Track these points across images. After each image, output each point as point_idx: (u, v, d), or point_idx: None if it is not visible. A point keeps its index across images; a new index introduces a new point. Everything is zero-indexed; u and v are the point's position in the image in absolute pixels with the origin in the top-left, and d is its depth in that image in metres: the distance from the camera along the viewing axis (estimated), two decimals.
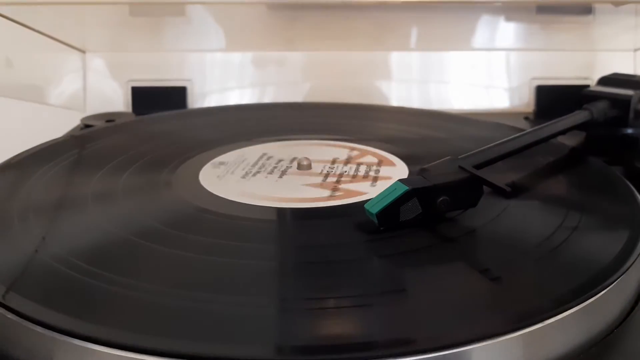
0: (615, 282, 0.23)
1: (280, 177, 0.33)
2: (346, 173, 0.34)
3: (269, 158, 0.36)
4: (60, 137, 0.45)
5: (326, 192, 0.31)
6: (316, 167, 0.34)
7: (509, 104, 0.57)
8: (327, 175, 0.33)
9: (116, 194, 0.32)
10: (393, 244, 0.25)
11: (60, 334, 0.20)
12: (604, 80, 0.45)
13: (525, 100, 0.56)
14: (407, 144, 0.39)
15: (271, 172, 0.34)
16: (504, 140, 0.33)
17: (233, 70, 0.57)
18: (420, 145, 0.40)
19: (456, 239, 0.26)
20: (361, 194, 0.31)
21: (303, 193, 0.31)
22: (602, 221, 0.28)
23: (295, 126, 0.44)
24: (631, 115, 0.41)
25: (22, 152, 0.37)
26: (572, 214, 0.28)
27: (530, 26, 0.57)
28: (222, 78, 0.56)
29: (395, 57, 0.57)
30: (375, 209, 0.26)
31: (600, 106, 0.40)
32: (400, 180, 0.27)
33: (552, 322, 0.20)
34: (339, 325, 0.21)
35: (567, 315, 0.21)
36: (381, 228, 0.26)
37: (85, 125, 0.48)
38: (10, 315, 0.21)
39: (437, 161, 0.29)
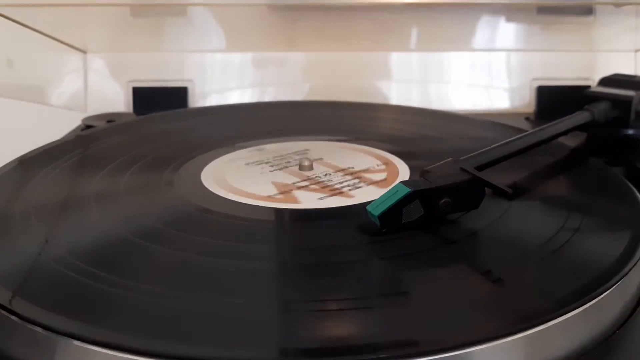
0: (617, 284, 0.23)
1: (271, 172, 0.34)
2: (324, 181, 0.33)
3: (296, 153, 0.37)
4: (63, 138, 0.45)
5: (273, 191, 0.31)
6: (316, 170, 0.34)
7: (509, 105, 0.57)
8: (307, 179, 0.33)
9: (118, 194, 0.32)
10: (395, 245, 0.25)
11: (62, 336, 0.20)
12: (604, 81, 0.45)
13: (526, 101, 0.56)
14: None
15: (273, 167, 0.35)
16: (505, 141, 0.33)
17: (234, 70, 0.57)
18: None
19: (458, 240, 0.26)
20: (298, 202, 0.30)
21: (256, 188, 0.31)
22: (603, 222, 0.28)
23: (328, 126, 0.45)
24: (632, 116, 0.41)
25: (25, 154, 0.37)
26: (574, 216, 0.28)
27: (530, 27, 0.57)
28: (223, 78, 0.56)
29: (396, 58, 0.57)
30: (377, 211, 0.26)
31: (601, 107, 0.40)
32: (403, 182, 0.27)
33: (554, 324, 0.20)
34: (341, 328, 0.21)
35: (569, 317, 0.21)
36: (383, 230, 0.26)
37: (87, 125, 0.48)
38: (12, 317, 0.21)
39: (439, 163, 0.29)
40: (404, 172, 0.34)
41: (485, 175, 0.28)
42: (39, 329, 0.20)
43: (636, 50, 0.56)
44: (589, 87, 0.47)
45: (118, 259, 0.25)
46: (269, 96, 0.57)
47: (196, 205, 0.30)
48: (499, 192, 0.27)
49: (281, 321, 0.22)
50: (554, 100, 0.54)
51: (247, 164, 0.36)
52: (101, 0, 0.51)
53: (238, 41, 0.57)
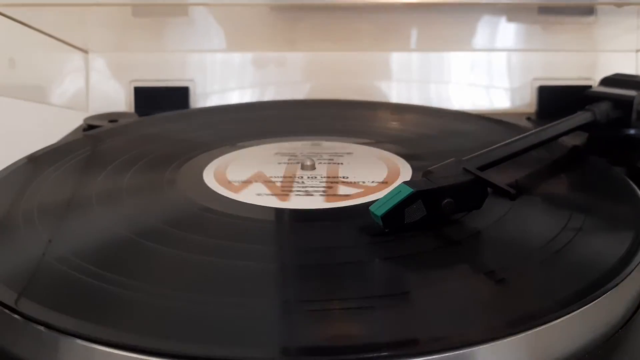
0: (619, 284, 0.23)
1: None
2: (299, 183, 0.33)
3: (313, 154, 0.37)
4: (65, 138, 0.45)
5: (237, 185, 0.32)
6: (319, 170, 0.34)
7: (510, 105, 0.57)
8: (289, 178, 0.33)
9: (121, 194, 0.32)
10: (397, 246, 0.26)
11: (66, 335, 0.20)
12: (606, 81, 0.45)
13: (527, 101, 0.56)
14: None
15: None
16: (507, 141, 0.33)
17: (235, 70, 0.57)
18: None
19: (460, 241, 0.27)
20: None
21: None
22: (606, 223, 0.29)
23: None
24: (634, 116, 0.41)
25: (28, 155, 0.37)
26: (576, 216, 0.28)
27: (532, 27, 0.57)
28: (224, 78, 0.57)
29: (396, 58, 0.57)
30: (380, 212, 0.26)
31: (603, 107, 0.40)
32: (405, 183, 0.27)
33: (556, 324, 0.21)
34: (343, 327, 0.21)
35: (571, 317, 0.21)
36: (386, 230, 0.26)
37: (89, 125, 0.48)
38: (16, 317, 0.21)
39: (442, 163, 0.29)
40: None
41: (487, 175, 0.28)
42: (43, 329, 0.20)
43: (637, 50, 0.56)
44: (590, 87, 0.47)
45: (121, 258, 0.25)
46: (269, 96, 0.57)
47: (198, 205, 0.30)
48: (501, 193, 0.27)
49: (283, 321, 0.22)
50: (555, 100, 0.54)
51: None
52: (103, 0, 0.51)
53: (239, 41, 0.57)
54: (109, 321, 0.21)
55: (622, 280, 0.23)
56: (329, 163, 0.35)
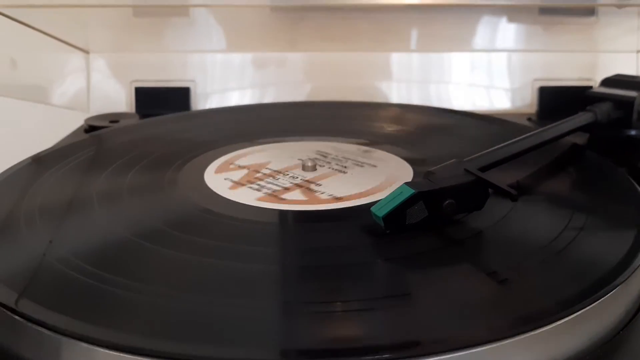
0: (621, 284, 0.23)
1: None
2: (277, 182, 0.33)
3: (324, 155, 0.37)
4: (66, 138, 0.45)
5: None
6: (310, 173, 0.34)
7: (511, 105, 0.57)
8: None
9: (121, 195, 0.32)
10: (399, 247, 0.26)
11: (66, 337, 0.20)
12: (607, 82, 0.45)
13: (527, 101, 0.56)
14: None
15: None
16: (508, 142, 0.33)
17: (235, 70, 0.57)
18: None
19: (462, 241, 0.26)
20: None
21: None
22: (608, 222, 0.28)
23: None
24: (635, 116, 0.41)
25: (30, 156, 0.37)
26: (578, 215, 0.28)
27: (532, 27, 0.57)
28: (225, 79, 0.57)
29: (397, 58, 0.57)
30: (381, 212, 0.26)
31: (604, 108, 0.40)
32: (407, 184, 0.27)
33: (558, 325, 0.21)
34: (345, 329, 0.21)
35: (573, 318, 0.21)
36: (387, 231, 0.26)
37: (90, 125, 0.48)
38: (17, 318, 0.21)
39: (443, 164, 0.29)
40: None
41: (489, 176, 0.28)
42: (42, 330, 0.20)
43: (638, 51, 0.57)
44: (591, 87, 0.47)
45: (121, 259, 0.25)
46: (270, 96, 0.57)
47: (199, 206, 0.30)
48: (503, 194, 0.27)
49: (285, 322, 0.22)
50: (556, 101, 0.54)
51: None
52: (104, 1, 0.51)
53: (240, 42, 0.57)
54: (109, 322, 0.21)
55: (624, 281, 0.23)
56: (332, 169, 0.35)
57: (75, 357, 0.20)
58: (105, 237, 0.27)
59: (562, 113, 0.39)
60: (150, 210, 0.30)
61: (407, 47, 0.58)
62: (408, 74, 0.57)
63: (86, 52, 0.56)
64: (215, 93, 0.56)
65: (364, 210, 0.28)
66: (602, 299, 0.22)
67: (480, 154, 0.31)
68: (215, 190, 0.32)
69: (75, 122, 0.50)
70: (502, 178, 0.30)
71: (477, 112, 0.50)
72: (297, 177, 0.33)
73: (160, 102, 0.54)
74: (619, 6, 0.52)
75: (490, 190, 0.28)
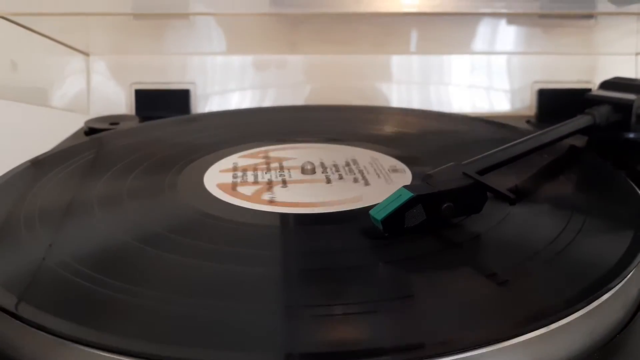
0: (618, 285, 0.23)
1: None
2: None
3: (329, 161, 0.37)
4: (66, 141, 0.45)
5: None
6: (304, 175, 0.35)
7: (510, 108, 0.57)
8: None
9: (121, 199, 0.32)
10: (398, 250, 0.26)
11: (65, 340, 0.20)
12: (605, 85, 0.45)
13: (527, 104, 0.56)
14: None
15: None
16: (506, 145, 0.33)
17: (235, 73, 0.57)
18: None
19: (461, 244, 0.27)
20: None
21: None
22: (606, 224, 0.29)
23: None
24: (633, 119, 0.41)
25: (30, 159, 0.38)
26: (576, 217, 0.28)
27: (532, 30, 0.57)
28: (225, 81, 0.57)
29: (397, 61, 0.58)
30: (380, 216, 0.26)
31: (603, 110, 0.40)
32: (405, 187, 0.27)
33: (557, 327, 0.21)
34: (346, 332, 0.21)
35: (571, 320, 0.21)
36: (386, 234, 0.26)
37: (90, 127, 0.49)
38: (16, 322, 0.21)
39: (441, 167, 0.29)
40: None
41: (487, 179, 0.28)
42: (43, 334, 0.21)
43: (637, 54, 0.57)
44: (590, 90, 0.47)
45: (121, 263, 0.25)
46: (270, 98, 0.57)
47: (199, 210, 0.30)
48: (501, 197, 0.27)
49: (285, 325, 0.22)
50: (555, 104, 0.54)
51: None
52: (104, 9, 0.51)
53: (239, 44, 0.57)
54: (109, 326, 0.21)
55: (622, 282, 0.23)
56: (327, 175, 0.35)
57: (73, 356, 0.20)
58: (104, 240, 0.27)
59: (561, 115, 0.39)
60: (149, 214, 0.30)
61: (407, 49, 0.58)
62: (408, 77, 0.58)
63: (86, 54, 0.56)
64: (215, 95, 0.56)
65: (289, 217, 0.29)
66: (600, 300, 0.22)
67: (478, 157, 0.31)
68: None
69: (75, 124, 0.51)
70: (501, 181, 0.30)
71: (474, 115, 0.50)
72: (280, 176, 0.34)
73: (160, 104, 0.54)
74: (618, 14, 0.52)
75: (488, 193, 0.28)
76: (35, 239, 0.27)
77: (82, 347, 0.20)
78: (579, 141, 0.41)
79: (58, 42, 0.53)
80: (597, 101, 0.42)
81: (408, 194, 0.26)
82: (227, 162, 0.37)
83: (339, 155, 0.38)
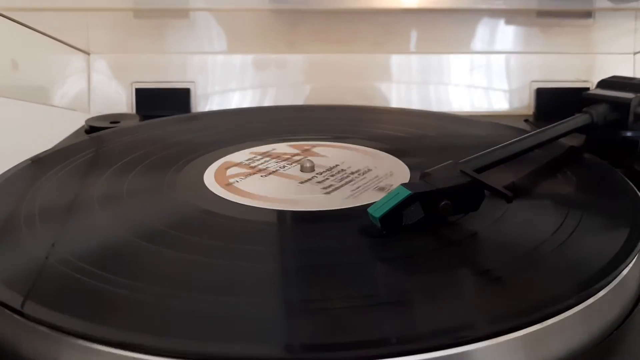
0: (614, 282, 0.23)
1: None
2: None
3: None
4: (66, 139, 0.45)
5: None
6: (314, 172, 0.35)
7: (508, 107, 0.57)
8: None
9: (122, 196, 0.32)
10: (396, 247, 0.26)
11: (67, 335, 0.20)
12: (603, 83, 0.45)
13: (525, 103, 0.57)
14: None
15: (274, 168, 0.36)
16: (504, 144, 0.33)
17: (235, 72, 0.57)
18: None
19: (458, 241, 0.27)
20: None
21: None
22: (602, 221, 0.29)
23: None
24: (631, 118, 0.41)
25: (30, 157, 0.38)
26: (573, 214, 0.28)
27: (530, 29, 0.57)
28: (225, 80, 0.57)
29: (396, 60, 0.58)
30: (378, 213, 0.26)
31: (600, 109, 0.41)
32: (403, 185, 0.27)
33: (553, 323, 0.21)
34: (342, 325, 0.21)
35: (568, 316, 0.21)
36: (384, 232, 0.26)
37: (90, 126, 0.49)
38: (18, 318, 0.21)
39: (439, 165, 0.29)
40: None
41: (485, 177, 0.28)
42: (46, 330, 0.21)
43: (635, 53, 0.57)
44: (587, 89, 0.47)
45: (122, 260, 0.25)
46: (270, 97, 0.57)
47: (198, 207, 0.30)
48: (499, 195, 0.27)
49: (282, 319, 0.22)
50: (553, 102, 0.55)
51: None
52: (104, 4, 0.52)
53: (240, 43, 0.58)
54: (111, 321, 0.21)
55: (617, 278, 0.23)
56: (319, 174, 0.35)
57: (77, 356, 0.20)
58: (105, 237, 0.27)
59: (559, 114, 0.39)
60: (149, 211, 0.30)
61: (406, 48, 0.58)
62: (408, 76, 0.58)
63: (87, 53, 0.56)
64: (215, 94, 0.57)
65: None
66: (597, 297, 0.22)
67: (476, 155, 0.31)
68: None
69: (76, 122, 0.51)
70: (499, 179, 0.30)
71: (473, 114, 0.50)
72: (278, 167, 0.36)
73: (161, 103, 0.54)
74: (616, 10, 0.52)
75: (486, 191, 0.28)
76: (35, 237, 0.27)
77: (84, 342, 0.20)
78: (577, 140, 0.41)
79: (59, 41, 0.53)
80: (595, 100, 0.42)
81: (406, 192, 0.26)
82: (243, 154, 0.38)
83: (360, 162, 0.37)
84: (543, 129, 0.36)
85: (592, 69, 0.56)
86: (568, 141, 0.39)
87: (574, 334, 0.21)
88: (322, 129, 0.44)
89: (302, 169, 0.35)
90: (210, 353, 0.19)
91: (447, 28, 0.57)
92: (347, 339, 0.20)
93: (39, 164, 0.37)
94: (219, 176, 0.34)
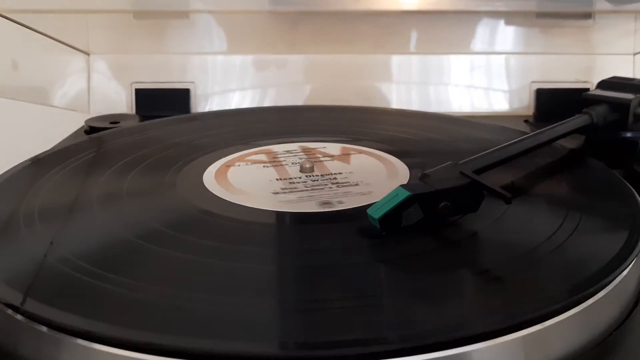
0: (613, 283, 0.23)
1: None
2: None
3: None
4: (66, 140, 0.45)
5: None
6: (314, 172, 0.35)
7: (508, 107, 0.57)
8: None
9: (121, 196, 0.32)
10: (395, 247, 0.26)
11: (65, 334, 0.20)
12: (603, 84, 0.45)
13: (525, 103, 0.57)
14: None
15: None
16: (504, 145, 0.33)
17: (235, 72, 0.57)
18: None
19: (457, 242, 0.27)
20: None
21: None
22: (601, 222, 0.29)
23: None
24: (630, 118, 0.41)
25: (30, 158, 0.38)
26: (572, 215, 0.28)
27: (530, 30, 0.57)
28: (225, 80, 0.57)
29: (396, 60, 0.58)
30: (377, 214, 0.26)
31: (600, 110, 0.41)
32: (402, 186, 0.27)
33: (553, 323, 0.21)
34: (341, 325, 0.21)
35: (567, 317, 0.21)
36: (383, 233, 0.26)
37: (90, 126, 0.49)
38: (18, 317, 0.22)
39: (438, 166, 0.29)
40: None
41: (484, 178, 0.28)
42: (44, 328, 0.21)
43: (635, 54, 0.57)
44: (587, 89, 0.47)
45: (121, 260, 0.25)
46: (270, 98, 0.57)
47: (197, 208, 0.30)
48: (497, 196, 0.27)
49: (279, 318, 0.22)
50: (553, 103, 0.55)
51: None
52: (105, 6, 0.52)
53: (239, 44, 0.58)
54: (110, 319, 0.21)
55: (616, 279, 0.23)
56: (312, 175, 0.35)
57: (75, 353, 0.20)
58: (104, 236, 0.27)
59: (559, 115, 0.39)
60: (148, 211, 0.30)
61: (406, 49, 0.58)
62: (408, 76, 0.58)
63: (87, 53, 0.56)
64: (215, 95, 0.57)
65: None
66: (597, 297, 0.22)
67: (475, 156, 0.31)
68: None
69: (75, 123, 0.51)
70: (498, 179, 0.30)
71: (473, 114, 0.50)
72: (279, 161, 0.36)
73: (161, 103, 0.55)
74: (616, 12, 0.52)
75: (485, 192, 0.28)
76: (35, 236, 0.27)
77: (82, 341, 0.20)
78: (577, 140, 0.41)
79: (59, 42, 0.53)
80: (595, 101, 0.42)
81: (405, 193, 0.26)
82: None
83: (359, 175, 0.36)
84: (543, 129, 0.36)
85: (592, 69, 0.56)
86: (568, 142, 0.39)
87: (573, 334, 0.22)
88: (323, 129, 0.44)
89: (302, 169, 0.35)
90: (209, 350, 0.19)
91: (447, 29, 0.57)
92: (345, 337, 0.20)
93: (39, 164, 0.37)
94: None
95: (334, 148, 0.40)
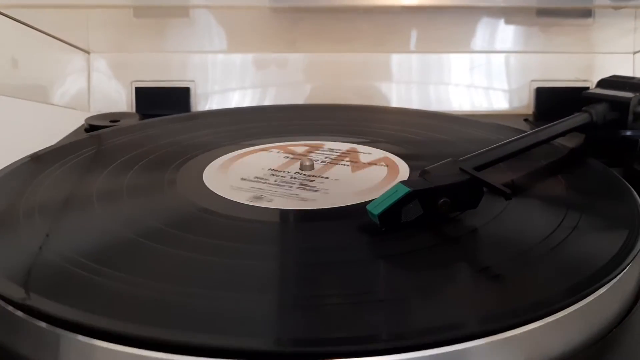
0: (613, 281, 0.23)
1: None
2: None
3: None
4: (66, 138, 0.45)
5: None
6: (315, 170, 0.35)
7: (508, 106, 0.57)
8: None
9: (120, 193, 0.32)
10: (394, 243, 0.26)
11: (64, 330, 0.20)
12: (603, 83, 0.45)
13: (524, 102, 0.57)
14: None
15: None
16: (504, 142, 0.33)
17: (235, 71, 0.57)
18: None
19: (456, 239, 0.27)
20: None
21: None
22: (601, 221, 0.29)
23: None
24: (630, 117, 0.41)
25: (30, 154, 0.38)
26: (572, 214, 0.28)
27: (530, 28, 0.57)
28: (225, 79, 0.57)
29: (396, 59, 0.58)
30: (377, 211, 0.26)
31: (600, 108, 0.41)
32: (402, 182, 0.27)
33: (552, 321, 0.21)
34: (339, 321, 0.21)
35: (566, 314, 0.21)
36: (382, 229, 0.26)
37: (90, 125, 0.49)
38: (18, 313, 0.22)
39: (438, 163, 0.29)
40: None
41: (484, 175, 0.28)
42: (43, 324, 0.21)
43: (635, 52, 0.57)
44: (587, 88, 0.47)
45: (120, 256, 0.25)
46: (270, 96, 0.57)
47: (196, 205, 0.30)
48: (497, 193, 0.27)
49: (278, 314, 0.22)
50: (553, 102, 0.55)
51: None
52: (104, 1, 0.52)
53: (240, 42, 0.58)
54: (109, 314, 0.21)
55: (616, 277, 0.23)
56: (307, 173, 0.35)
57: (74, 348, 0.20)
58: (102, 233, 0.27)
59: (558, 114, 0.39)
60: (146, 208, 0.30)
61: (406, 48, 0.58)
62: (408, 75, 0.58)
63: (87, 52, 0.56)
64: (215, 93, 0.57)
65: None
66: (596, 295, 0.22)
67: (475, 153, 0.31)
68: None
69: (75, 121, 0.51)
70: (498, 178, 0.30)
71: (473, 113, 0.51)
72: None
73: (161, 102, 0.55)
74: (616, 8, 0.52)
75: (484, 189, 0.28)
76: (33, 231, 0.27)
77: (79, 336, 0.20)
78: (576, 139, 0.41)
79: (59, 40, 0.53)
80: (595, 99, 0.42)
81: (405, 189, 0.26)
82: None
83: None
84: (542, 127, 0.36)
85: (592, 68, 0.56)
86: (567, 141, 0.39)
87: (572, 333, 0.21)
88: (323, 129, 0.44)
89: (302, 167, 0.35)
90: (208, 345, 0.19)
91: (447, 27, 0.57)
92: (344, 334, 0.20)
93: (38, 160, 0.37)
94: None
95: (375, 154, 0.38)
